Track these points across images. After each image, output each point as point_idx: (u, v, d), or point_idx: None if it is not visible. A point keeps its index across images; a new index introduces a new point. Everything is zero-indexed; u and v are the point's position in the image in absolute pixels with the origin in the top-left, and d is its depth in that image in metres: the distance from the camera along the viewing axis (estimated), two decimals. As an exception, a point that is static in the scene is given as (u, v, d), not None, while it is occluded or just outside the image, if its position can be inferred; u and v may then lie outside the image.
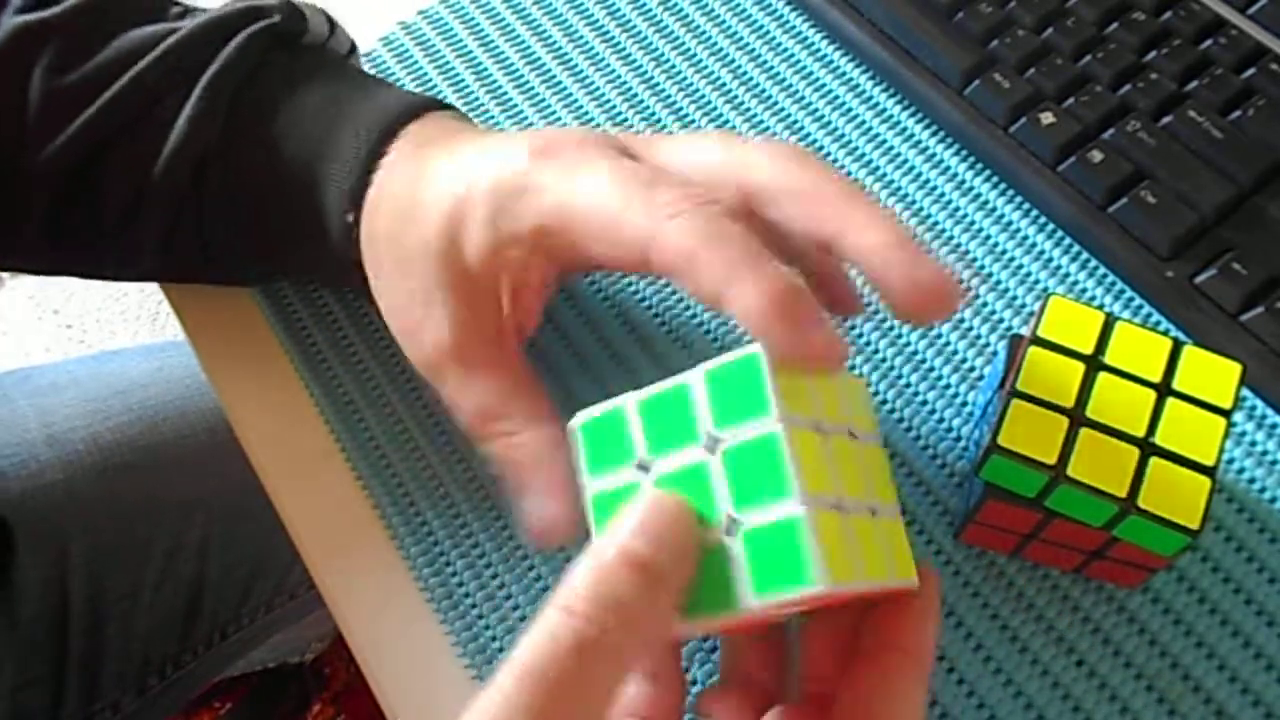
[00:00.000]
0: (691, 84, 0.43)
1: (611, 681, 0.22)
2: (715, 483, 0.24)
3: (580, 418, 0.26)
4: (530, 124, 0.42)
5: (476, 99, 0.43)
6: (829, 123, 0.42)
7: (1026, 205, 0.39)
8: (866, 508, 0.25)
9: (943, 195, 0.40)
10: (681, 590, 0.23)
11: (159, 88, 0.34)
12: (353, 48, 0.39)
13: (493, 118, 0.42)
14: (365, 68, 0.44)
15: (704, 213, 0.25)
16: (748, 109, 0.42)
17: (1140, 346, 0.29)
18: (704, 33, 0.44)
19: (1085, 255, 0.38)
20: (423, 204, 0.30)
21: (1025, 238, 0.38)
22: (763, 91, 0.43)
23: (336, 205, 0.32)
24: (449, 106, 0.35)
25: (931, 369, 0.36)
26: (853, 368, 0.36)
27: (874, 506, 0.25)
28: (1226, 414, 0.29)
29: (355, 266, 0.32)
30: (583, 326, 0.37)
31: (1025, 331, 0.31)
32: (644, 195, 0.26)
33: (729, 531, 0.23)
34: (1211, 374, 0.29)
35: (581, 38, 0.44)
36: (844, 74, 0.43)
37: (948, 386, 0.36)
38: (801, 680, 0.27)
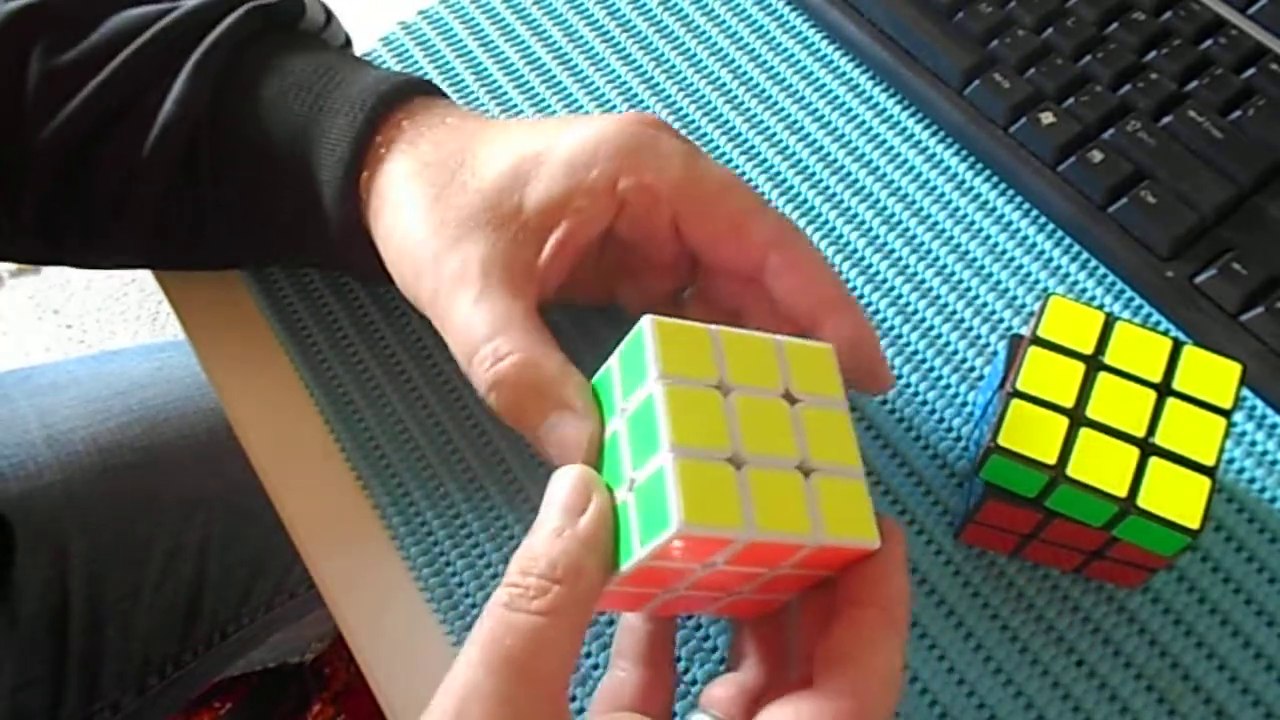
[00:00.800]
0: (691, 84, 0.43)
1: (565, 651, 0.23)
2: (622, 448, 0.25)
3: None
4: (530, 124, 0.42)
5: (476, 99, 0.43)
6: (829, 123, 0.42)
7: (1026, 205, 0.39)
8: (789, 464, 0.25)
9: (943, 195, 0.40)
10: (608, 548, 0.25)
11: (152, 68, 0.34)
12: (347, 40, 0.39)
13: (493, 118, 0.42)
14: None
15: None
16: (748, 109, 0.42)
17: (1140, 346, 0.30)
18: (704, 33, 0.44)
19: (1085, 255, 0.38)
20: (480, 154, 0.30)
21: (1025, 238, 0.38)
22: (763, 91, 0.43)
23: (332, 171, 0.32)
24: (438, 89, 0.35)
25: (931, 369, 0.36)
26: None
27: (809, 465, 0.25)
28: (1226, 414, 0.29)
29: (349, 234, 0.32)
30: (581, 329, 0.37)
31: (1025, 331, 0.32)
32: (768, 207, 0.30)
33: (630, 491, 0.25)
34: (1211, 374, 0.29)
35: (581, 38, 0.44)
36: (844, 74, 0.43)
37: (948, 386, 0.36)
38: (797, 662, 0.27)
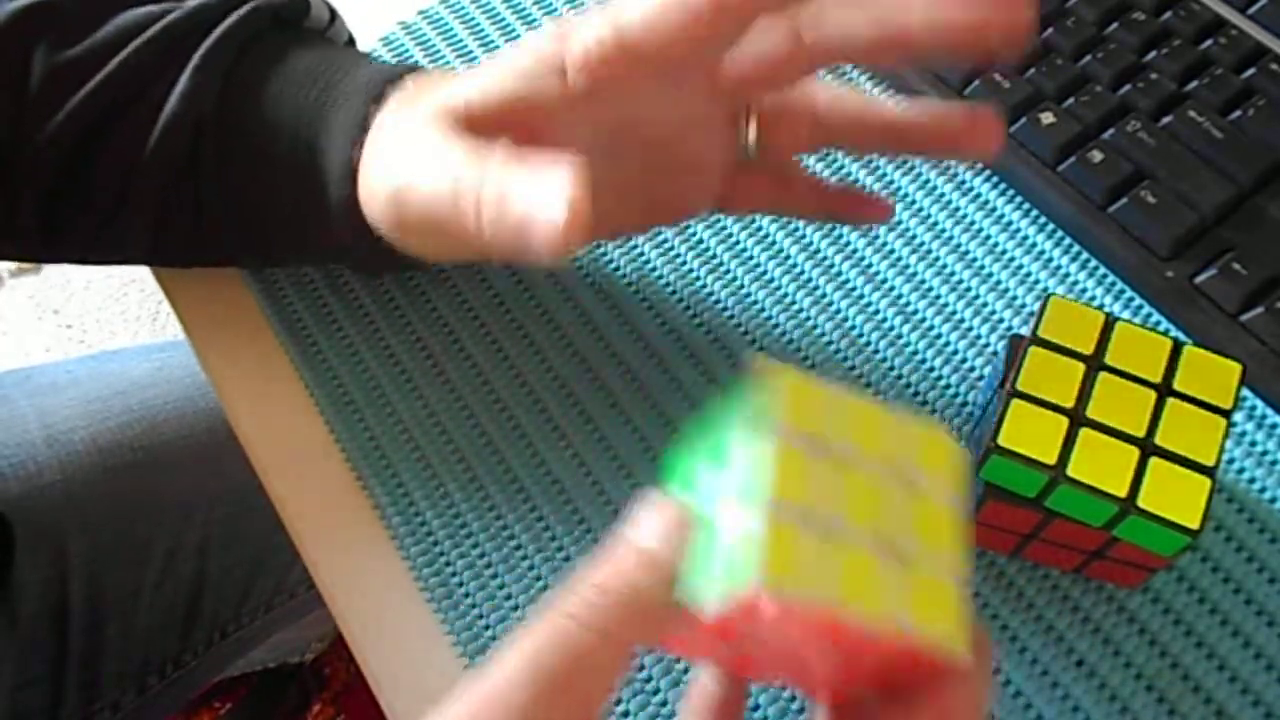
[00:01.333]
0: (691, 84, 0.43)
1: (606, 676, 0.22)
2: (720, 485, 0.23)
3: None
4: (530, 124, 0.42)
5: (476, 99, 0.43)
6: (829, 123, 0.42)
7: (1026, 205, 0.39)
8: (885, 548, 0.23)
9: (943, 195, 0.40)
10: (674, 583, 0.23)
11: (156, 65, 0.34)
12: (350, 41, 0.39)
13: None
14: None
15: None
16: (748, 109, 0.42)
17: (1140, 346, 0.30)
18: (704, 33, 0.44)
19: (1085, 255, 0.38)
20: (454, 78, 0.30)
21: (1025, 238, 0.38)
22: (763, 91, 0.43)
23: (339, 156, 0.32)
24: None
25: (931, 369, 0.36)
26: (852, 367, 0.36)
27: (907, 554, 0.23)
28: (1226, 414, 0.29)
29: (349, 216, 0.32)
30: (581, 326, 0.37)
31: (1025, 331, 0.31)
32: None
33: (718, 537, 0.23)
34: (1211, 374, 0.29)
35: (581, 38, 0.44)
36: (844, 74, 0.43)
37: (948, 386, 0.36)
38: None
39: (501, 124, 0.28)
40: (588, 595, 0.22)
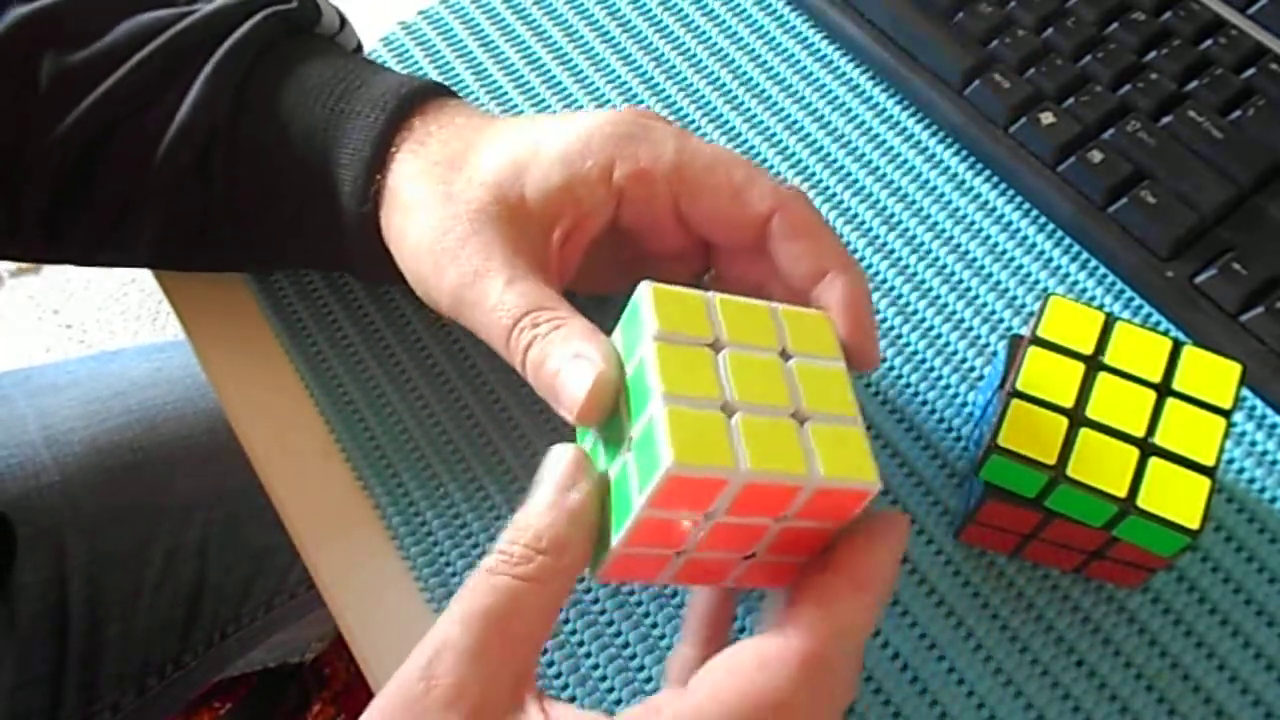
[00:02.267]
0: (691, 84, 0.43)
1: (541, 619, 0.25)
2: (622, 412, 0.26)
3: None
4: (530, 124, 0.42)
5: (476, 99, 0.43)
6: (829, 123, 0.42)
7: (1026, 205, 0.39)
8: (783, 412, 0.26)
9: (943, 195, 0.40)
10: (593, 524, 0.26)
11: (166, 72, 0.34)
12: (358, 46, 0.39)
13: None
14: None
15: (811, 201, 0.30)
16: (748, 109, 0.42)
17: (1140, 346, 0.30)
18: (704, 33, 0.44)
19: (1085, 255, 0.38)
20: (483, 150, 0.31)
21: (1025, 238, 0.38)
22: (763, 91, 0.43)
23: (353, 171, 0.32)
24: (453, 92, 0.35)
25: (931, 369, 0.36)
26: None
27: (804, 414, 0.26)
28: (1226, 414, 0.29)
29: (364, 235, 0.32)
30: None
31: (1025, 331, 0.31)
32: (765, 173, 0.30)
33: (629, 450, 0.25)
34: (1211, 374, 0.29)
35: (581, 38, 0.44)
36: (844, 74, 0.43)
37: (948, 386, 0.36)
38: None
39: (543, 221, 0.30)
40: (508, 547, 0.25)
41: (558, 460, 0.26)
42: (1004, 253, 0.38)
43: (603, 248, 0.32)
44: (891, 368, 0.36)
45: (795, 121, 0.42)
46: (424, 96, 0.33)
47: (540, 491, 0.26)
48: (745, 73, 0.43)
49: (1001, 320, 0.37)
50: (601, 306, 0.35)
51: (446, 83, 0.43)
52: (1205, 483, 0.28)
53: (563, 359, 0.27)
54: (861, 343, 0.29)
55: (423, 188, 0.31)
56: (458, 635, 0.24)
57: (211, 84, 0.33)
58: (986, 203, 0.39)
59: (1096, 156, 0.37)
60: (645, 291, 0.26)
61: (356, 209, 0.32)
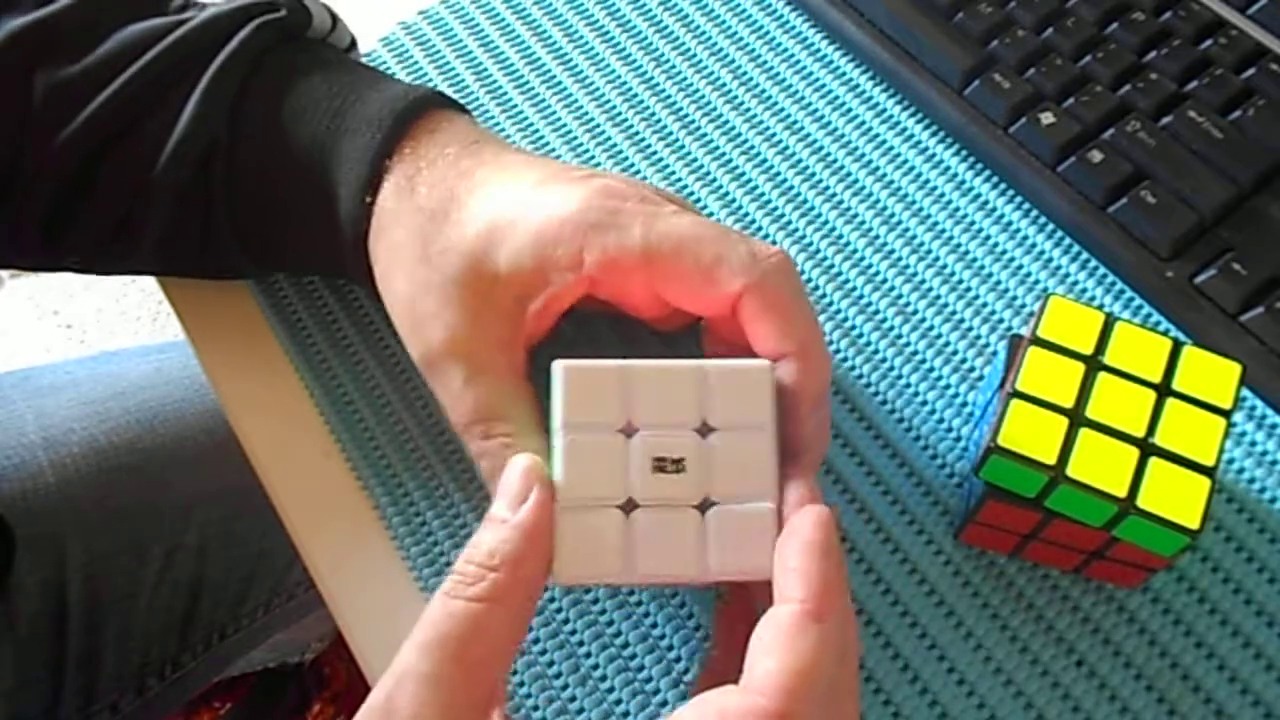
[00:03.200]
0: (691, 84, 0.43)
1: (502, 639, 0.25)
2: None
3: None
4: (530, 124, 0.42)
5: (476, 99, 0.43)
6: (829, 123, 0.42)
7: (1026, 205, 0.39)
8: (686, 503, 0.26)
9: (943, 195, 0.40)
10: (547, 544, 0.26)
11: (161, 84, 0.34)
12: (352, 42, 0.39)
13: (493, 118, 0.42)
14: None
15: (792, 268, 0.29)
16: (748, 109, 0.42)
17: (1140, 346, 0.29)
18: (704, 33, 0.44)
19: (1085, 255, 0.38)
20: (465, 207, 0.31)
21: (1025, 238, 0.38)
22: (763, 91, 0.43)
23: (352, 189, 0.32)
24: (453, 102, 0.35)
25: (931, 369, 0.36)
26: (852, 368, 0.36)
27: (711, 500, 0.26)
28: (1226, 414, 0.29)
29: (362, 253, 0.32)
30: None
31: (1025, 331, 0.31)
32: (743, 242, 0.29)
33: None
34: (1211, 374, 0.29)
35: (581, 38, 0.44)
36: (844, 74, 0.43)
37: (948, 386, 0.36)
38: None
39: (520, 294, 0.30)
40: (463, 568, 0.25)
41: (509, 475, 0.26)
42: (1004, 253, 0.38)
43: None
44: (891, 368, 0.36)
45: (795, 121, 0.42)
46: (418, 111, 0.33)
47: (494, 506, 0.26)
48: (745, 73, 0.43)
49: (1001, 320, 0.37)
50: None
51: (446, 83, 0.43)
52: (1205, 483, 0.28)
53: (507, 495, 0.27)
54: (795, 432, 0.28)
55: (403, 240, 0.31)
56: (415, 662, 0.24)
57: (206, 101, 0.33)
58: (986, 203, 0.39)
59: (1096, 156, 0.37)
60: (558, 373, 0.27)
61: (354, 230, 0.32)
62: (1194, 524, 0.27)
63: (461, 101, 0.43)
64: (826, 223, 0.39)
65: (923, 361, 0.36)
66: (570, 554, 0.25)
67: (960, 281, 0.38)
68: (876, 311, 0.37)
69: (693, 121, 0.42)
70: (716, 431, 0.27)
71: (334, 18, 0.37)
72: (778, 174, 0.40)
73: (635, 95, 0.43)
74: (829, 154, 0.41)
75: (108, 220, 0.35)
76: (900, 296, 0.38)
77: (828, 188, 0.40)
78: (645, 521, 0.26)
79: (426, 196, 0.31)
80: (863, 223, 0.39)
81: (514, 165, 0.32)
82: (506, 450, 0.29)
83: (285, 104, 0.34)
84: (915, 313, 0.37)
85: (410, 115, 0.33)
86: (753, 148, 0.41)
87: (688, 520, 0.26)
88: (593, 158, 0.41)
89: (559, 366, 0.27)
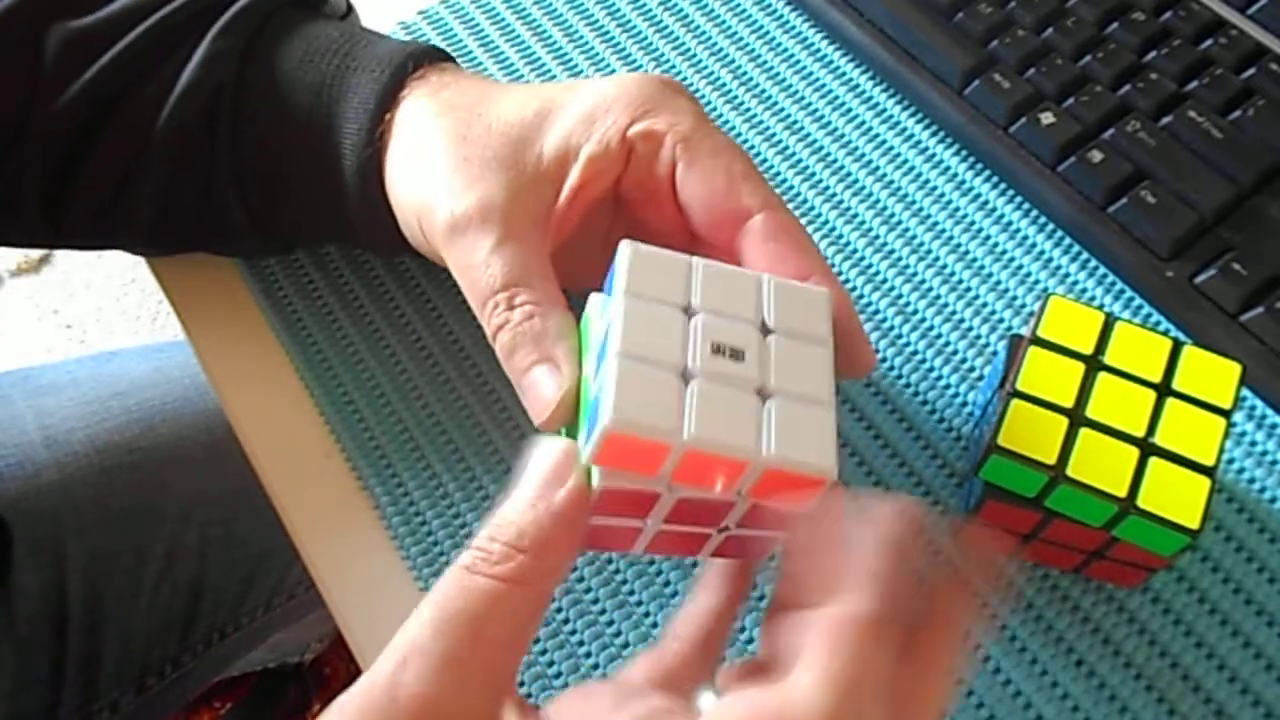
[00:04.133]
0: (691, 84, 0.43)
1: (521, 619, 0.23)
2: (589, 374, 0.26)
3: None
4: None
5: (476, 99, 0.43)
6: (829, 123, 0.42)
7: (1026, 205, 0.39)
8: (746, 386, 0.25)
9: (943, 195, 0.40)
10: (579, 521, 0.24)
11: (172, 38, 0.34)
12: (349, 8, 0.39)
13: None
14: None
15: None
16: (748, 109, 0.42)
17: (1140, 346, 0.29)
18: (704, 33, 0.44)
19: (1085, 255, 0.38)
20: (508, 95, 0.31)
21: (1025, 238, 0.38)
22: (763, 91, 0.43)
23: (361, 118, 0.32)
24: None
25: (931, 369, 0.36)
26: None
27: (770, 390, 0.25)
28: (1226, 414, 0.29)
29: (367, 187, 0.32)
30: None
31: (1025, 331, 0.31)
32: (764, 179, 0.30)
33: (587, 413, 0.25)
34: (1211, 374, 0.29)
35: (581, 38, 0.44)
36: (844, 74, 0.43)
37: (948, 386, 0.36)
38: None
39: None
40: (487, 545, 0.23)
41: (545, 455, 0.25)
42: (1004, 253, 0.38)
43: (596, 231, 0.32)
44: (891, 368, 0.36)
45: (795, 121, 0.42)
46: (431, 58, 0.34)
47: (524, 486, 0.24)
48: (745, 73, 0.43)
49: (1001, 320, 0.37)
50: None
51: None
52: (1205, 483, 0.28)
53: (530, 359, 0.27)
54: (854, 351, 0.28)
55: (439, 125, 0.31)
56: (428, 639, 0.22)
57: (217, 44, 0.34)
58: (986, 203, 0.39)
59: (1096, 156, 0.37)
60: (624, 250, 0.26)
61: (359, 158, 0.32)
62: (1194, 524, 0.27)
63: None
64: (827, 222, 0.39)
65: (923, 361, 0.36)
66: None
67: (960, 281, 0.38)
68: (876, 311, 0.37)
69: (693, 121, 0.42)
70: (776, 335, 0.25)
71: (349, 5, 0.38)
72: (778, 174, 0.40)
73: (635, 95, 0.43)
74: (829, 154, 0.41)
75: (110, 176, 0.35)
76: (900, 296, 0.38)
77: (828, 188, 0.40)
78: (703, 389, 0.24)
79: (460, 97, 0.32)
80: (863, 223, 0.39)
81: (540, 84, 0.33)
82: (530, 323, 0.28)
83: (293, 48, 0.34)
84: (915, 313, 0.37)
85: (421, 58, 0.33)
86: (753, 148, 0.41)
87: (746, 400, 0.24)
88: (593, 158, 0.41)
89: (625, 244, 0.26)
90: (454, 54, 0.44)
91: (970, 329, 0.37)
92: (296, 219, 0.37)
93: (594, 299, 0.27)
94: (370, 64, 0.33)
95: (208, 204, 0.35)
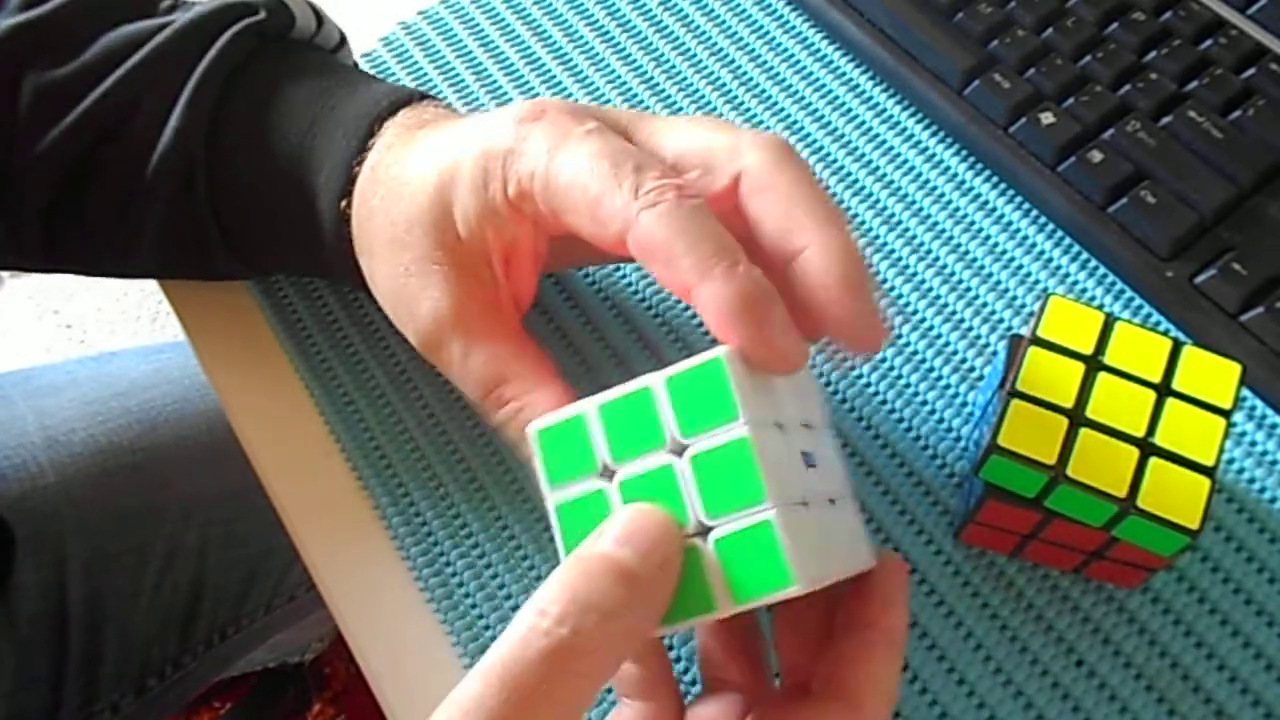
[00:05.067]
0: (691, 84, 0.43)
1: (585, 688, 0.22)
2: (684, 487, 0.24)
3: (536, 424, 0.26)
4: (530, 124, 0.42)
5: (476, 99, 0.43)
6: (829, 123, 0.42)
7: (1026, 205, 0.39)
8: (826, 499, 0.25)
9: (943, 195, 0.40)
10: (665, 599, 0.23)
11: (145, 88, 0.34)
12: (342, 39, 0.39)
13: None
14: (365, 68, 0.44)
15: (685, 206, 0.25)
16: (748, 109, 0.42)
17: (1140, 346, 0.29)
18: (704, 33, 0.44)
19: (1085, 255, 0.38)
20: (414, 177, 0.30)
21: (1025, 238, 0.38)
22: (763, 91, 0.43)
23: (329, 198, 0.32)
24: (434, 99, 0.35)
25: (931, 369, 0.36)
26: (851, 367, 0.36)
27: (832, 496, 0.26)
28: (1226, 414, 0.29)
29: (348, 259, 0.32)
30: (581, 326, 0.37)
31: (1025, 331, 0.31)
32: (630, 178, 0.25)
33: (701, 536, 0.24)
34: (1211, 374, 0.29)
35: (581, 38, 0.44)
36: (844, 74, 0.43)
37: (948, 386, 0.36)
38: (782, 675, 0.28)
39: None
40: (579, 617, 0.22)
41: (645, 523, 0.23)
42: (1004, 253, 0.38)
43: (551, 254, 0.31)
44: (891, 368, 0.36)
45: (795, 121, 0.42)
46: (393, 110, 0.32)
47: (623, 551, 0.23)
48: (745, 73, 0.43)
49: (1001, 320, 0.37)
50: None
51: (446, 83, 0.43)
52: (1205, 483, 0.28)
53: (528, 451, 0.27)
54: (855, 313, 0.26)
55: (378, 228, 0.31)
56: (492, 702, 0.21)
57: (189, 109, 0.33)
58: (986, 203, 0.39)
59: (1096, 156, 0.37)
60: (531, 436, 0.26)
61: (334, 235, 0.32)
62: (1194, 524, 0.27)
63: (461, 102, 0.43)
64: (826, 223, 0.39)
65: (923, 361, 0.36)
66: (804, 555, 0.23)
67: (960, 281, 0.38)
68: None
69: (693, 121, 0.42)
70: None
71: (319, 17, 0.37)
72: (778, 174, 0.40)
73: (635, 95, 0.43)
74: (829, 154, 0.41)
75: (103, 223, 0.35)
76: (900, 296, 0.38)
77: (828, 188, 0.40)
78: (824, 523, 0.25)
79: (389, 177, 0.31)
80: (863, 223, 0.39)
81: (455, 123, 0.31)
82: (521, 414, 0.28)
83: (263, 116, 0.34)
84: (915, 313, 0.37)
85: (386, 115, 0.32)
86: (753, 148, 0.41)
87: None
88: (593, 158, 0.41)
89: (531, 432, 0.26)
90: (454, 55, 0.44)
91: (970, 329, 0.37)
92: (291, 270, 0.38)
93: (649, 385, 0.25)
94: (336, 131, 0.32)
95: (202, 250, 0.36)
